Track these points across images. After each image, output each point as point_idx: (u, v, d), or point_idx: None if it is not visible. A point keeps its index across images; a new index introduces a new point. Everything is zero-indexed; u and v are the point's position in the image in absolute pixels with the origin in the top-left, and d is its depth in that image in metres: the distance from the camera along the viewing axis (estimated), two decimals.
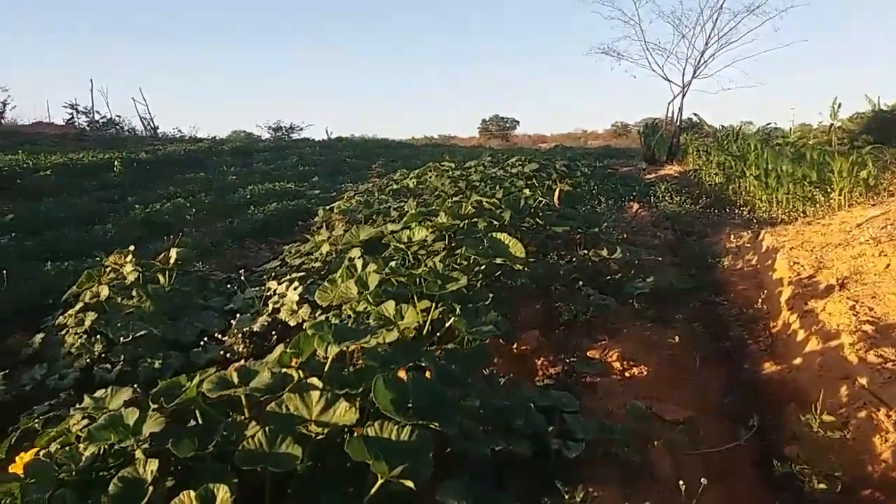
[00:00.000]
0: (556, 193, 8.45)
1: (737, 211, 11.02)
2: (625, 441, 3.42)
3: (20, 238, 8.01)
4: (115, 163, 14.70)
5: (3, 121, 33.92)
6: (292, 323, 4.91)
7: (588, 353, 4.83)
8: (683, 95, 24.03)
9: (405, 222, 6.78)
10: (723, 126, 18.64)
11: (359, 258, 5.37)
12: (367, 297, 4.41)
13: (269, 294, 5.36)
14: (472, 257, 5.40)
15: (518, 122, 59.53)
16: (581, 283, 6.16)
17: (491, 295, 4.75)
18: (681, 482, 3.28)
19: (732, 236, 8.63)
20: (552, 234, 7.25)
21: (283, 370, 3.06)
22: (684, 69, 24.10)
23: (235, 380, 2.80)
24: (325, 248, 6.56)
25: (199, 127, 51.00)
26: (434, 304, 4.43)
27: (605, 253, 6.52)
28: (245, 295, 5.41)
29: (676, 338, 5.13)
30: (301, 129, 42.56)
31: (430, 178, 14.10)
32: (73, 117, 34.31)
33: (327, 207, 10.22)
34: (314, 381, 2.81)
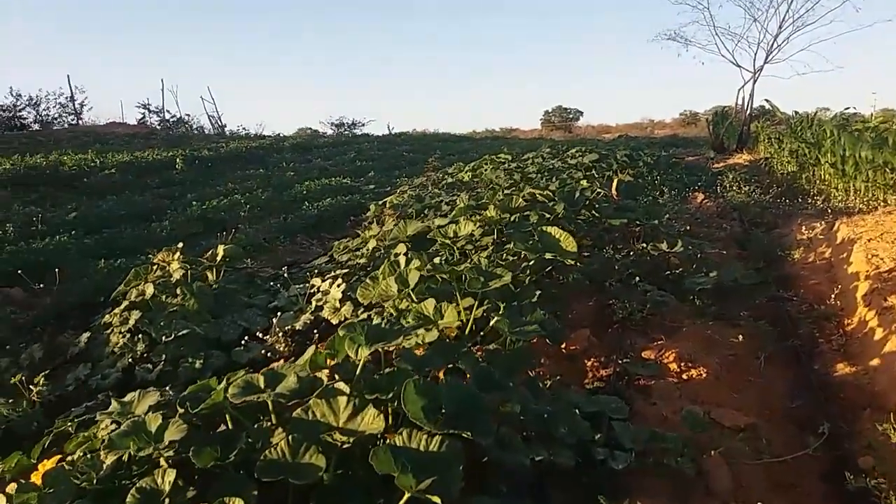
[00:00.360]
0: (614, 184, 8.14)
1: (810, 201, 10.41)
2: (678, 450, 3.19)
3: (80, 235, 8.27)
4: (178, 160, 15.11)
5: (80, 121, 35.71)
6: (335, 321, 4.83)
7: (643, 354, 4.58)
8: (755, 81, 23.01)
9: (453, 216, 6.65)
10: (796, 112, 17.65)
11: (403, 254, 5.27)
12: (408, 293, 4.29)
13: (312, 291, 5.31)
14: (521, 252, 5.22)
15: (581, 112, 58.34)
16: (638, 278, 5.89)
17: (539, 292, 4.55)
18: (738, 495, 3.05)
19: (804, 227, 8.13)
20: (608, 227, 6.97)
21: (313, 374, 2.97)
22: (756, 54, 23.06)
23: (262, 384, 2.71)
24: (372, 244, 6.48)
25: (266, 124, 52.29)
26: (477, 302, 4.27)
27: (664, 246, 6.21)
28: (290, 292, 5.38)
29: (740, 337, 4.82)
30: (362, 125, 43.09)
31: (486, 170, 13.90)
32: (144, 116, 35.80)
33: (379, 203, 10.17)
34: (341, 385, 2.69)
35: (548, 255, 5.20)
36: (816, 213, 9.26)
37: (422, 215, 8.87)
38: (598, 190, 9.31)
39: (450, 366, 3.44)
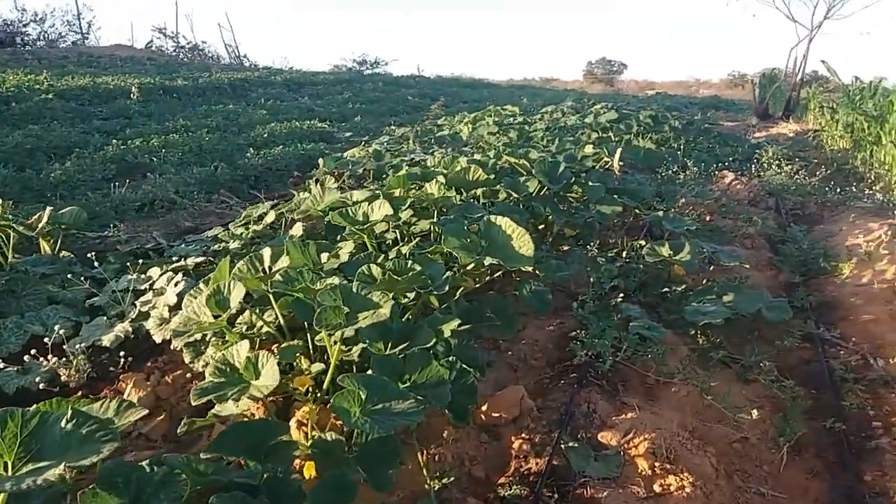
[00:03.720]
0: (617, 155, 6.48)
1: (865, 189, 8.62)
2: None
3: None
4: (133, 88, 13.53)
5: (86, 42, 34.78)
6: (158, 338, 3.36)
7: (601, 435, 3.06)
8: (810, 40, 20.61)
9: (386, 188, 5.08)
10: (856, 78, 15.52)
11: (290, 242, 3.74)
12: (223, 326, 2.78)
13: (146, 287, 3.82)
14: (455, 253, 3.68)
15: (626, 66, 55.37)
16: (623, 295, 4.33)
17: (454, 323, 3.05)
18: None
19: (857, 229, 6.45)
20: (597, 216, 5.35)
21: None
22: (815, 7, 20.63)
23: None
24: (270, 217, 4.96)
25: (290, 60, 50.42)
26: (335, 347, 2.76)
27: (665, 251, 4.61)
28: (119, 285, 3.89)
29: (754, 413, 3.26)
30: (385, 64, 41.30)
31: (484, 125, 12.21)
32: (151, 41, 34.60)
33: (336, 156, 8.62)
34: None
35: (488, 261, 3.67)
36: (874, 207, 7.52)
37: (382, 177, 7.33)
38: (606, 159, 7.66)
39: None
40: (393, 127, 13.25)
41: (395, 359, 2.67)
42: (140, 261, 4.56)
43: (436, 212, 4.58)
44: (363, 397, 2.30)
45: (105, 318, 3.64)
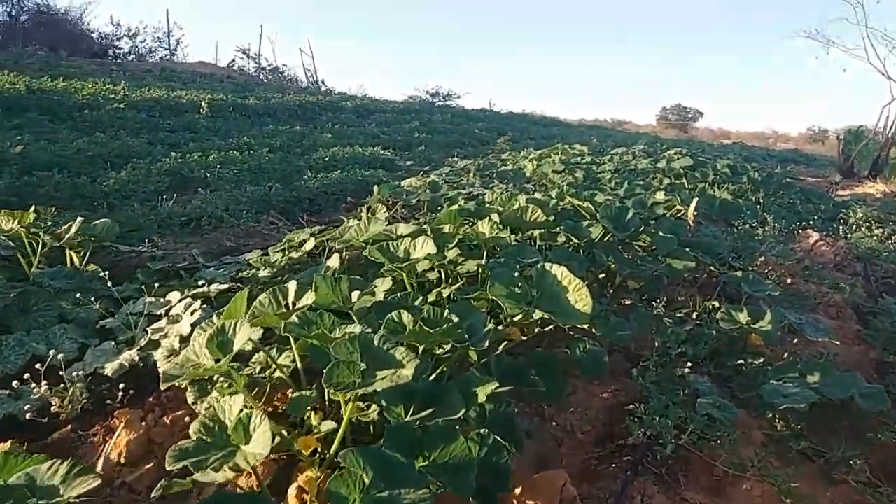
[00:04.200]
0: (692, 206, 5.95)
1: None
2: None
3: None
4: (203, 104, 13.67)
5: (173, 57, 36.63)
6: (163, 368, 3.03)
7: None
8: None
9: (435, 222, 4.70)
10: None
11: (320, 276, 3.39)
12: (228, 369, 2.41)
13: (162, 312, 3.52)
14: (503, 304, 3.25)
15: (701, 113, 54.37)
16: (691, 365, 3.80)
17: (492, 385, 2.62)
18: None
19: None
20: (666, 270, 4.83)
21: None
22: None
23: None
24: (310, 245, 4.64)
25: (366, 88, 52.06)
26: (350, 408, 2.37)
27: (742, 317, 4.06)
28: (136, 307, 3.60)
29: None
30: (458, 97, 41.82)
31: (550, 162, 11.78)
32: (233, 60, 36.21)
33: (394, 184, 8.33)
34: None
35: (538, 314, 3.23)
36: None
37: (435, 210, 7.00)
38: (678, 207, 7.12)
39: None
40: (456, 158, 12.96)
41: (413, 430, 2.25)
42: (168, 281, 4.32)
43: (485, 252, 4.17)
44: (366, 481, 1.89)
45: (113, 343, 3.35)
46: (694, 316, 4.56)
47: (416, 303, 3.62)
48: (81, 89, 12.92)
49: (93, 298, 3.72)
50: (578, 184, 8.89)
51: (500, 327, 3.47)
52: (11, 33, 31.09)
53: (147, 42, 34.10)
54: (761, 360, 3.95)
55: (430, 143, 15.86)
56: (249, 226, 6.64)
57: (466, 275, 4.22)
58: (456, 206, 4.86)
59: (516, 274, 3.61)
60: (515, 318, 3.50)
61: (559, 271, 3.45)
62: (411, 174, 10.18)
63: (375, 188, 7.21)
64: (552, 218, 4.97)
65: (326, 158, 10.89)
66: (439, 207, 7.09)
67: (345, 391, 2.24)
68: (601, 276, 5.01)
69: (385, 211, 6.22)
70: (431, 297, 3.66)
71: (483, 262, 4.13)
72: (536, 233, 5.11)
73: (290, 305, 3.17)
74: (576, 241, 4.67)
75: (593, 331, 3.71)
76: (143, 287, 4.31)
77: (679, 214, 6.84)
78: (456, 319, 2.83)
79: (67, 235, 4.08)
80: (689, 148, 18.97)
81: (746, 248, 6.90)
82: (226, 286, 3.68)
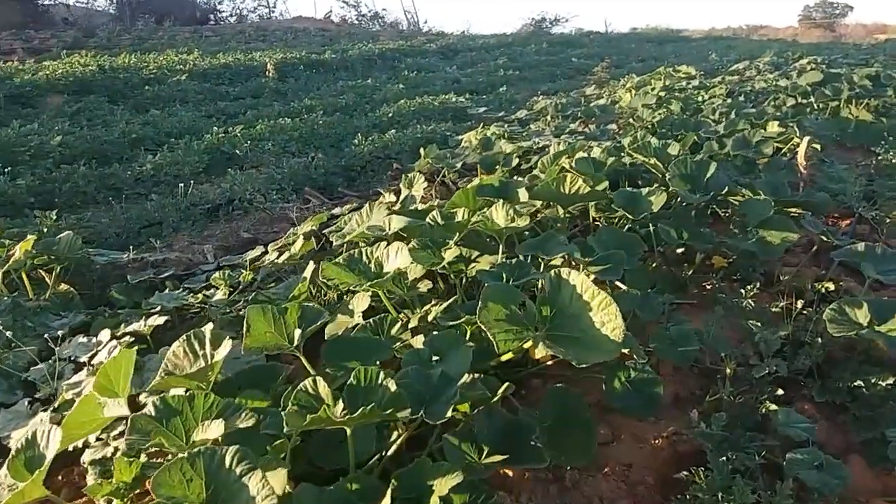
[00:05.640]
0: (803, 147, 4.67)
1: None
2: None
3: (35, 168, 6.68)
4: (268, 66, 13.18)
5: (272, 15, 37.36)
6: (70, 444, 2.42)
7: None
8: None
9: (447, 207, 3.81)
10: None
11: (254, 309, 2.63)
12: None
13: (85, 360, 2.91)
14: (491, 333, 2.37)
15: (851, 7, 48.48)
16: (782, 391, 2.78)
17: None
18: None
19: None
20: (757, 247, 3.69)
21: None
22: None
23: None
24: (297, 247, 3.90)
25: (472, 25, 51.23)
26: None
27: (861, 316, 2.91)
28: (71, 348, 3.02)
29: None
30: (565, 21, 39.96)
31: (647, 91, 10.35)
32: (330, 11, 36.75)
33: (459, 138, 7.49)
34: None
35: (542, 352, 2.37)
36: None
37: (491, 170, 6.09)
38: (796, 141, 5.78)
39: None
40: (539, 98, 11.75)
41: None
42: (150, 296, 3.75)
43: (501, 248, 3.26)
44: None
45: (28, 402, 2.79)
46: (794, 308, 3.43)
47: (394, 331, 2.81)
48: (149, 64, 12.78)
49: (30, 337, 3.20)
50: (672, 120, 7.57)
51: (494, 362, 2.61)
52: (122, 7, 32.49)
53: (247, 2, 35.26)
54: (890, 381, 2.83)
55: (517, 81, 14.67)
56: (279, 208, 6.00)
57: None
58: (474, 184, 3.94)
59: (521, 284, 2.73)
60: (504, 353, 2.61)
61: (578, 280, 2.52)
62: (485, 123, 9.19)
63: (422, 151, 6.36)
64: (605, 185, 3.95)
65: (390, 115, 10.09)
66: (495, 168, 6.15)
67: None
68: (662, 251, 3.95)
69: (423, 182, 5.37)
70: (413, 321, 2.82)
71: (500, 258, 3.23)
72: (591, 207, 4.11)
73: (209, 357, 2.47)
74: (630, 216, 3.63)
75: (638, 362, 2.75)
76: (133, 303, 3.80)
77: (795, 152, 5.51)
78: (392, 388, 2.00)
79: (11, 261, 3.58)
80: (829, 54, 16.58)
81: (886, 189, 5.47)
82: (163, 320, 3.03)
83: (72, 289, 3.96)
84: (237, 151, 7.67)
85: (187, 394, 1.97)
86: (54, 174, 6.55)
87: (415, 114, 10.23)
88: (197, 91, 11.60)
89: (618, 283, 3.26)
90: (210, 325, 2.51)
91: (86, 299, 4.25)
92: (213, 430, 1.76)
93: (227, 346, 2.41)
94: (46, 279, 3.95)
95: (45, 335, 3.14)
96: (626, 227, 3.81)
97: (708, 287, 3.82)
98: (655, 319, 3.20)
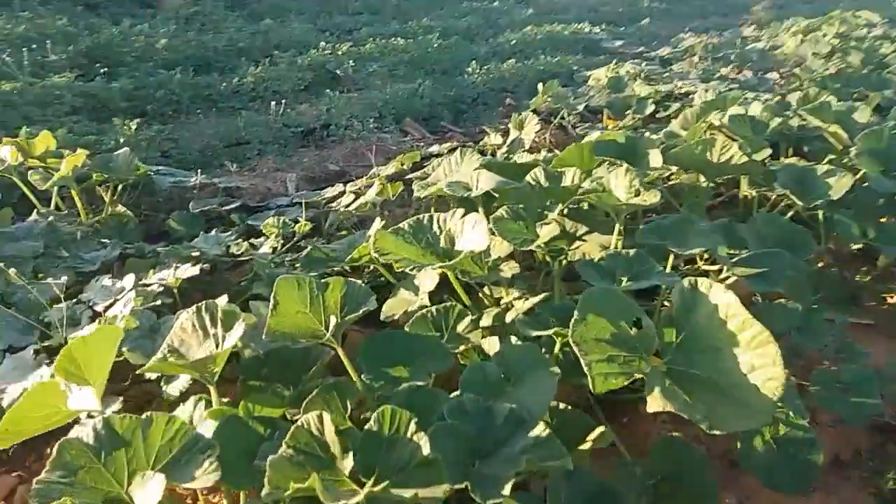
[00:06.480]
0: None
1: None
2: None
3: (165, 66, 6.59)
4: None
5: None
6: None
7: None
8: None
9: (555, 163, 3.07)
10: None
11: (283, 280, 2.06)
12: None
13: (102, 309, 2.46)
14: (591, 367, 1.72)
15: None
16: None
17: None
18: None
19: None
20: None
21: None
22: None
23: None
24: (371, 194, 3.29)
25: None
26: None
27: None
28: (93, 290, 2.59)
29: None
30: None
31: (818, 37, 8.88)
32: None
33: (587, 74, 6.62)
34: None
35: (657, 403, 1.70)
36: None
37: (621, 115, 5.28)
38: None
39: None
40: (686, 35, 10.42)
41: None
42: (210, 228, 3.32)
43: (617, 227, 2.51)
44: None
45: (34, 349, 2.40)
46: None
47: (461, 327, 2.18)
48: None
49: (60, 269, 2.81)
50: (849, 74, 6.32)
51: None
52: None
53: None
54: None
55: (662, 15, 13.21)
56: (375, 138, 5.43)
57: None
58: (593, 137, 3.17)
59: (630, 292, 2.04)
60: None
61: (724, 300, 1.79)
62: (620, 60, 8.17)
63: (540, 86, 5.56)
64: (765, 154, 3.07)
65: (513, 42, 9.19)
66: (626, 113, 5.29)
67: None
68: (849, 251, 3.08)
69: (536, 123, 4.61)
70: (486, 319, 2.18)
71: (618, 237, 2.50)
72: (744, 181, 3.26)
73: (219, 339, 1.94)
74: (799, 201, 2.76)
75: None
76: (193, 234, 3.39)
77: None
78: (426, 452, 1.37)
79: (57, 175, 3.20)
80: None
81: None
82: (197, 270, 2.54)
83: (128, 212, 3.57)
84: (338, 72, 7.11)
85: (144, 416, 1.42)
86: (151, 80, 6.26)
87: (541, 43, 9.29)
88: (316, 2, 11.10)
89: None
90: (224, 298, 1.98)
91: (149, 224, 3.90)
92: (150, 492, 1.21)
93: (239, 328, 1.87)
94: (78, 202, 3.58)
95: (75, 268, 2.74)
96: (790, 214, 2.95)
97: (890, 301, 2.93)
98: (818, 347, 2.39)
